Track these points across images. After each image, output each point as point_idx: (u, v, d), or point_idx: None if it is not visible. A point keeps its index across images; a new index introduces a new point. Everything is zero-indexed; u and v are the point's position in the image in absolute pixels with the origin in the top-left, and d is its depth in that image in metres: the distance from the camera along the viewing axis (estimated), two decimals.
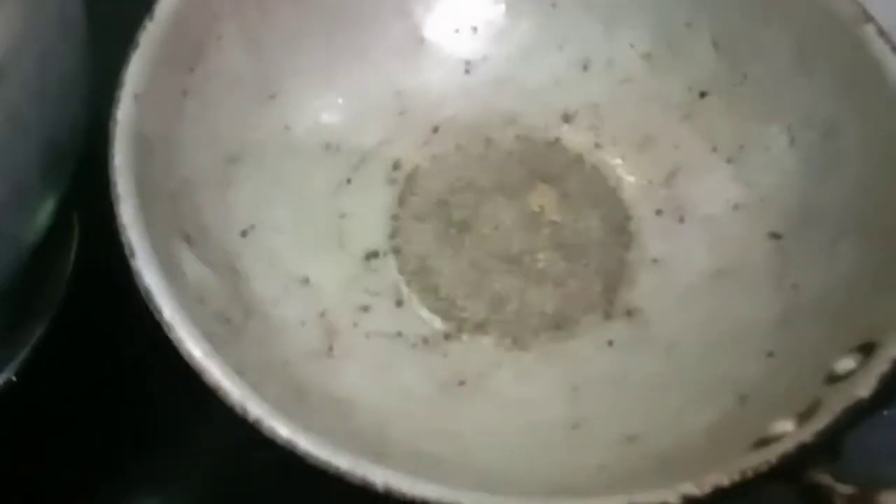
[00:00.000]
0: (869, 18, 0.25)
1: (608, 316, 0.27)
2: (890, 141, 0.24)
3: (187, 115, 0.24)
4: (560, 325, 0.27)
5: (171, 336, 0.18)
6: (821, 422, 0.18)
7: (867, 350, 0.20)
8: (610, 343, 0.26)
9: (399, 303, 0.27)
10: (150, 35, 0.23)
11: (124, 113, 0.21)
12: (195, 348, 0.17)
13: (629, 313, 0.27)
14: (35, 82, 0.21)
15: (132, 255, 0.18)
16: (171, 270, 0.19)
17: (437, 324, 0.26)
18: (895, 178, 0.24)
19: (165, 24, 0.23)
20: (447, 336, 0.26)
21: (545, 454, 0.23)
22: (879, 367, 0.19)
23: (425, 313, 0.27)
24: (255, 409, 0.17)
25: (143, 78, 0.22)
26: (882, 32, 0.25)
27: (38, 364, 0.28)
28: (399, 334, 0.26)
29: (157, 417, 0.28)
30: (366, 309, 0.26)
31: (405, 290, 0.27)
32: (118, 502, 0.27)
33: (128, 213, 0.19)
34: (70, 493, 0.26)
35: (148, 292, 0.18)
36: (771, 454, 0.17)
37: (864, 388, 0.18)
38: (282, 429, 0.17)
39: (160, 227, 0.20)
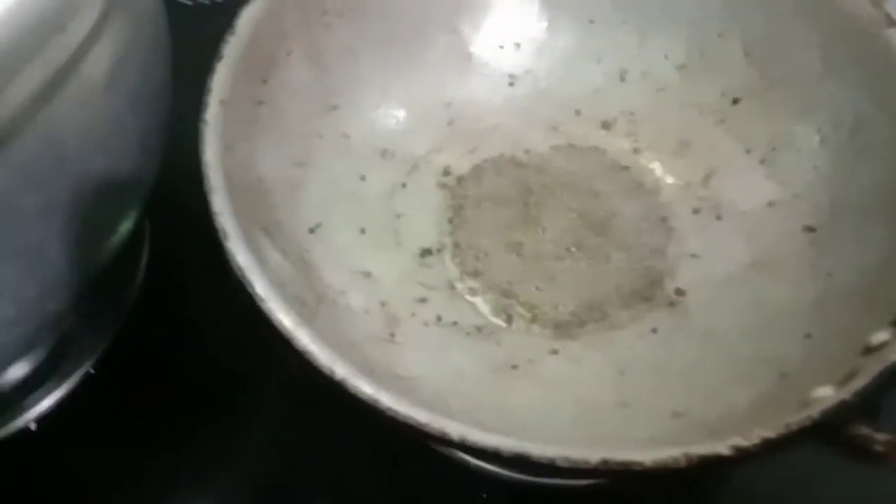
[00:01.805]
0: (892, 23, 0.27)
1: (651, 306, 0.28)
2: None
3: (261, 122, 0.27)
4: (605, 315, 0.28)
5: (264, 307, 0.20)
6: (859, 383, 0.19)
7: None
8: (653, 330, 0.28)
9: (453, 296, 0.28)
10: (232, 48, 0.25)
11: (212, 115, 0.23)
12: (286, 318, 0.19)
13: (671, 304, 0.28)
14: (134, 92, 0.23)
15: (226, 238, 0.21)
16: (257, 255, 0.21)
17: (490, 315, 0.28)
18: None
19: (244, 39, 0.26)
20: (499, 326, 0.28)
21: (597, 427, 0.24)
22: None
23: (479, 305, 0.28)
24: (341, 370, 0.19)
25: (227, 86, 0.24)
26: None
27: (115, 357, 0.31)
28: (454, 323, 0.27)
29: (226, 405, 0.30)
30: (422, 300, 0.28)
31: (458, 285, 0.29)
32: (198, 482, 0.29)
33: (220, 202, 0.21)
34: (148, 474, 0.28)
35: (241, 270, 0.20)
36: (814, 410, 0.18)
37: None
38: (366, 387, 0.18)
39: (244, 218, 0.23)
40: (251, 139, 0.26)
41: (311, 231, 0.27)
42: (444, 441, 0.18)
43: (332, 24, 0.30)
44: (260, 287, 0.20)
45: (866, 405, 0.19)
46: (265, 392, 0.30)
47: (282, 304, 0.20)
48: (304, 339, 0.19)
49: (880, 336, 0.21)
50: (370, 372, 0.23)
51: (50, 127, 0.19)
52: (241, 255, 0.20)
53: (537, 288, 0.29)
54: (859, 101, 0.28)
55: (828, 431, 0.19)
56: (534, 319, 0.28)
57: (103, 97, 0.22)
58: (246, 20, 0.26)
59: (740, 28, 0.31)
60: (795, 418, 0.18)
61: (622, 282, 0.29)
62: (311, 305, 0.24)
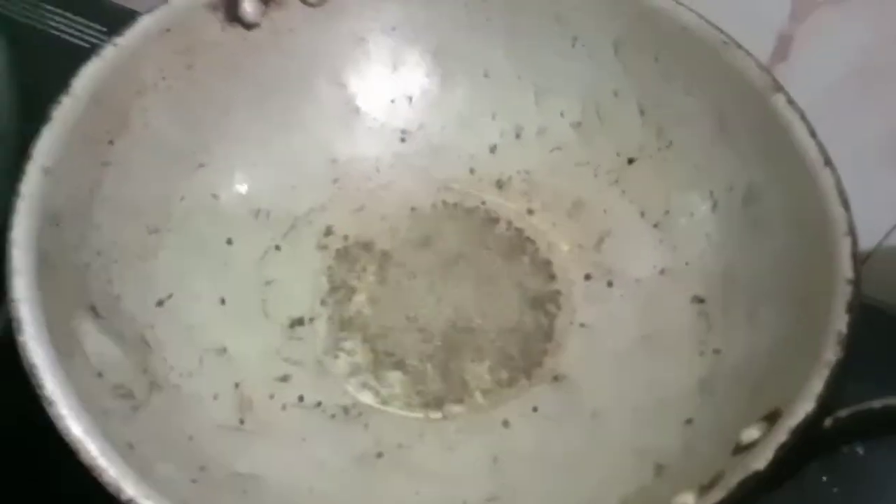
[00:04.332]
0: (779, 88, 0.26)
1: (534, 382, 0.27)
2: (804, 208, 0.24)
3: (106, 188, 0.24)
4: (485, 392, 0.26)
5: (50, 412, 0.17)
6: (716, 496, 0.17)
7: (772, 419, 0.19)
8: (535, 409, 0.26)
9: (320, 372, 0.26)
10: (65, 109, 0.23)
11: (30, 187, 0.21)
12: (74, 424, 0.17)
13: (556, 378, 0.27)
14: None
15: (19, 330, 0.18)
16: (65, 345, 0.19)
17: (360, 393, 0.26)
18: (809, 246, 0.24)
19: (84, 99, 0.23)
20: (369, 406, 0.26)
21: None
22: (778, 437, 0.18)
23: (348, 383, 0.26)
24: (130, 489, 0.16)
25: (55, 152, 0.22)
26: (791, 101, 0.25)
27: None
28: (318, 404, 0.25)
29: None
30: (285, 379, 0.26)
31: (328, 359, 0.27)
32: None
33: (21, 288, 0.19)
34: None
35: (32, 367, 0.18)
36: None
37: (762, 460, 0.18)
38: None
39: (60, 301, 0.20)
40: (89, 208, 0.24)
41: (160, 304, 0.25)
42: None
43: (199, 78, 0.28)
44: (49, 387, 0.18)
45: None
46: None
47: (74, 408, 0.17)
48: (92, 451, 0.17)
49: (751, 433, 0.20)
50: (202, 474, 0.21)
51: None
52: (33, 351, 0.18)
53: (413, 364, 0.27)
54: (753, 168, 0.27)
55: None
56: (408, 398, 0.26)
57: None
58: (85, 78, 0.23)
59: (636, 86, 0.30)
60: None
61: (506, 354, 0.27)
62: (138, 396, 0.21)
